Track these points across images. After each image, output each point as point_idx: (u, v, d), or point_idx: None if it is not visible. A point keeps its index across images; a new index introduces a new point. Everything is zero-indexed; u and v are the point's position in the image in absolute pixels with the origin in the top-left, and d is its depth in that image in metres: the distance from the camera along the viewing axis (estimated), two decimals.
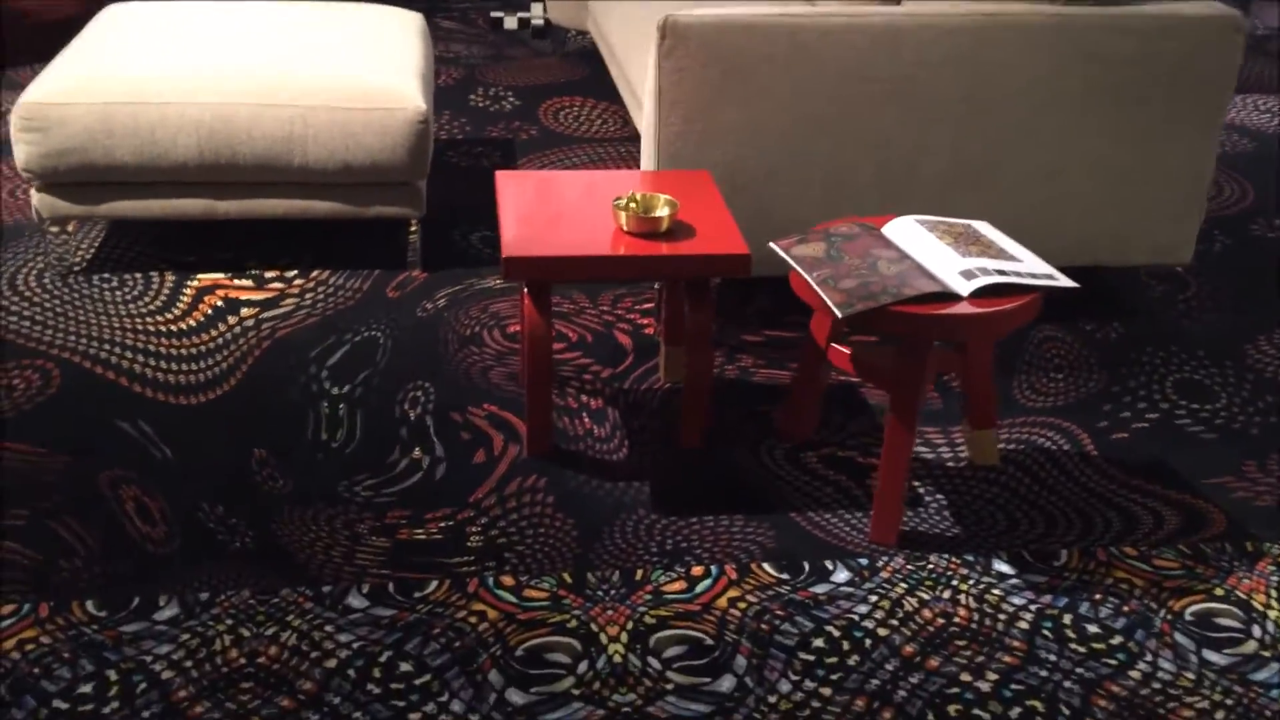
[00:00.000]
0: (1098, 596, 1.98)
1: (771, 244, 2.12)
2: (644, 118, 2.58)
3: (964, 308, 1.93)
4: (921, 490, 2.22)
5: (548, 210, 2.22)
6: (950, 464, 2.30)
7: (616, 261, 2.08)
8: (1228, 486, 2.27)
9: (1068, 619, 1.93)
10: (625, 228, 2.14)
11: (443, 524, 2.08)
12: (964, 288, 1.96)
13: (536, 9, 4.84)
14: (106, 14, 3.12)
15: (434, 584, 1.95)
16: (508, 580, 1.96)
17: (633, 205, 2.19)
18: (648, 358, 2.61)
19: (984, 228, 2.18)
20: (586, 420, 2.39)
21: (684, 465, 2.27)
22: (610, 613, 1.90)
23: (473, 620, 1.88)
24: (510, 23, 4.89)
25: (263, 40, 2.91)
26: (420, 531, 2.06)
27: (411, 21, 3.25)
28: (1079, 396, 2.53)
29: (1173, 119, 2.65)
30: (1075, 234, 2.74)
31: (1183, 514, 2.19)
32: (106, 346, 2.57)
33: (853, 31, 2.46)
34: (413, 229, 2.94)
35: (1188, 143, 2.68)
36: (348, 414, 2.37)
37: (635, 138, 3.79)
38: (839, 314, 1.90)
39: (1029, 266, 2.05)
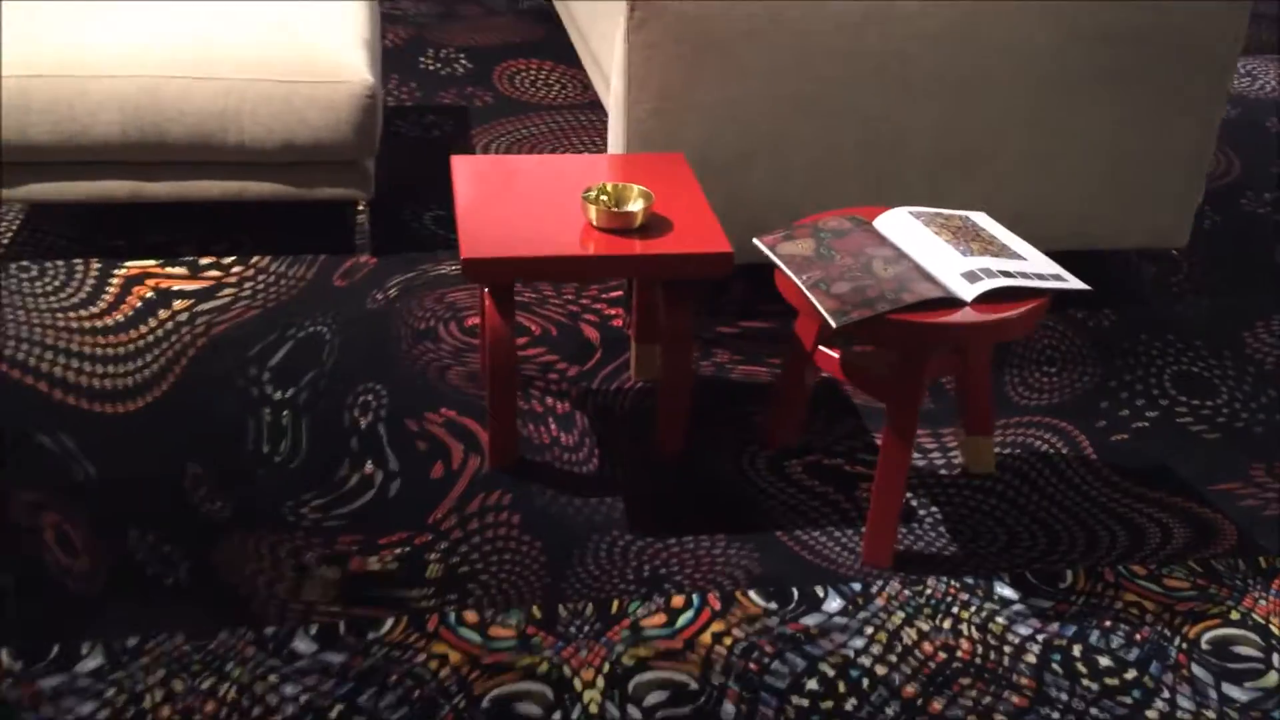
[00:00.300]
0: (1108, 623, 1.84)
1: (756, 240, 1.94)
2: (611, 95, 2.38)
3: (968, 314, 1.76)
4: (915, 503, 2.07)
5: (509, 201, 2.02)
6: (944, 471, 2.15)
7: (587, 262, 1.90)
8: (1236, 494, 2.14)
9: (1077, 650, 1.79)
10: (595, 223, 1.95)
11: (398, 550, 1.90)
12: (967, 292, 1.80)
13: None
14: None
15: (389, 622, 1.77)
16: (471, 616, 1.79)
17: (603, 198, 2.00)
18: (617, 352, 2.43)
19: (982, 220, 2.02)
20: (553, 426, 2.21)
21: (660, 477, 2.10)
22: (584, 653, 1.74)
23: (433, 665, 1.71)
24: None
25: (194, 6, 2.66)
26: (374, 560, 1.88)
27: None
28: (1074, 393, 2.39)
29: (1174, 96, 2.49)
30: (1070, 218, 2.58)
31: (1191, 526, 2.06)
32: (24, 346, 2.34)
33: (840, 4, 2.27)
34: (361, 210, 2.73)
35: (1189, 120, 2.52)
36: (292, 423, 2.17)
37: (597, 104, 3.58)
38: (833, 324, 1.73)
39: (1034, 266, 1.89)
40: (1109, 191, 2.57)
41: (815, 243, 1.91)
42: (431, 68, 3.81)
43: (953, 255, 1.86)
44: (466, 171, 2.12)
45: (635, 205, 1.99)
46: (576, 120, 3.48)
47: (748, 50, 2.28)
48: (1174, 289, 2.77)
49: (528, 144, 3.31)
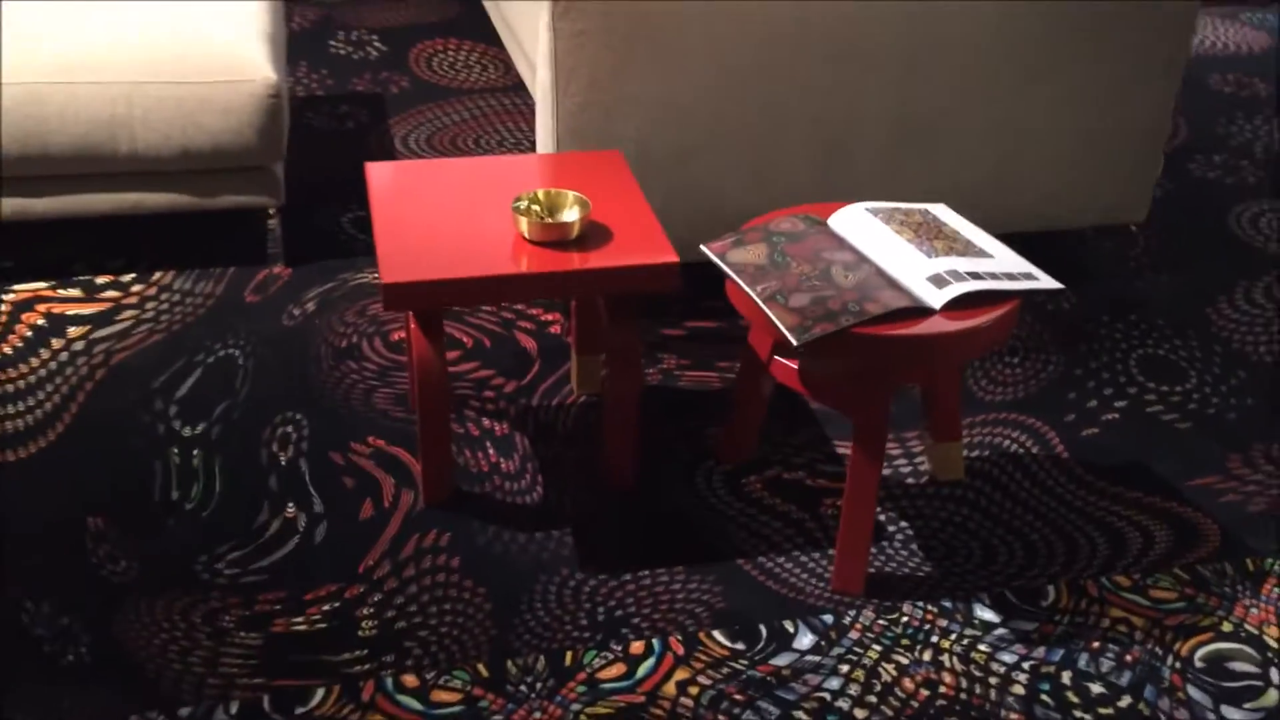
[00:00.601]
0: (1095, 644, 1.73)
1: (703, 247, 1.78)
2: (538, 87, 2.20)
3: (937, 324, 1.62)
4: (883, 517, 1.94)
5: (431, 215, 1.84)
6: (910, 480, 2.02)
7: (520, 281, 1.72)
8: (1215, 489, 2.03)
9: (1067, 677, 1.67)
10: (528, 235, 1.78)
11: (327, 607, 1.73)
12: (935, 298, 1.66)
13: None
14: None
15: (320, 693, 1.60)
16: (411, 680, 1.63)
17: (535, 208, 1.83)
18: (557, 363, 2.27)
19: (944, 214, 1.88)
20: (491, 451, 2.04)
21: (609, 503, 1.94)
22: (538, 715, 1.59)
23: None
24: None
25: (73, 5, 2.43)
26: (300, 620, 1.71)
27: None
28: (1040, 385, 2.27)
29: (1132, 63, 2.36)
30: (1026, 197, 2.46)
31: (1172, 528, 1.95)
32: None
33: None
34: (271, 217, 2.53)
35: (1147, 88, 2.40)
36: (203, 463, 1.98)
37: (520, 86, 3.39)
38: (795, 342, 1.58)
39: (1002, 264, 1.75)
40: (1067, 167, 2.45)
41: (768, 248, 1.76)
42: (343, 52, 3.58)
43: (916, 257, 1.72)
44: (383, 181, 1.94)
45: (570, 214, 1.82)
46: (500, 105, 3.29)
47: (685, 34, 2.11)
48: (1132, 265, 2.66)
49: (449, 133, 3.12)
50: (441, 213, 1.84)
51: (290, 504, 1.91)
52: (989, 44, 2.26)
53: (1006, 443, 2.12)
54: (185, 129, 2.31)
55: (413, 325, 1.79)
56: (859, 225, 1.80)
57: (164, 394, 2.14)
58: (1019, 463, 2.07)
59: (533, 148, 3.06)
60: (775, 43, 2.15)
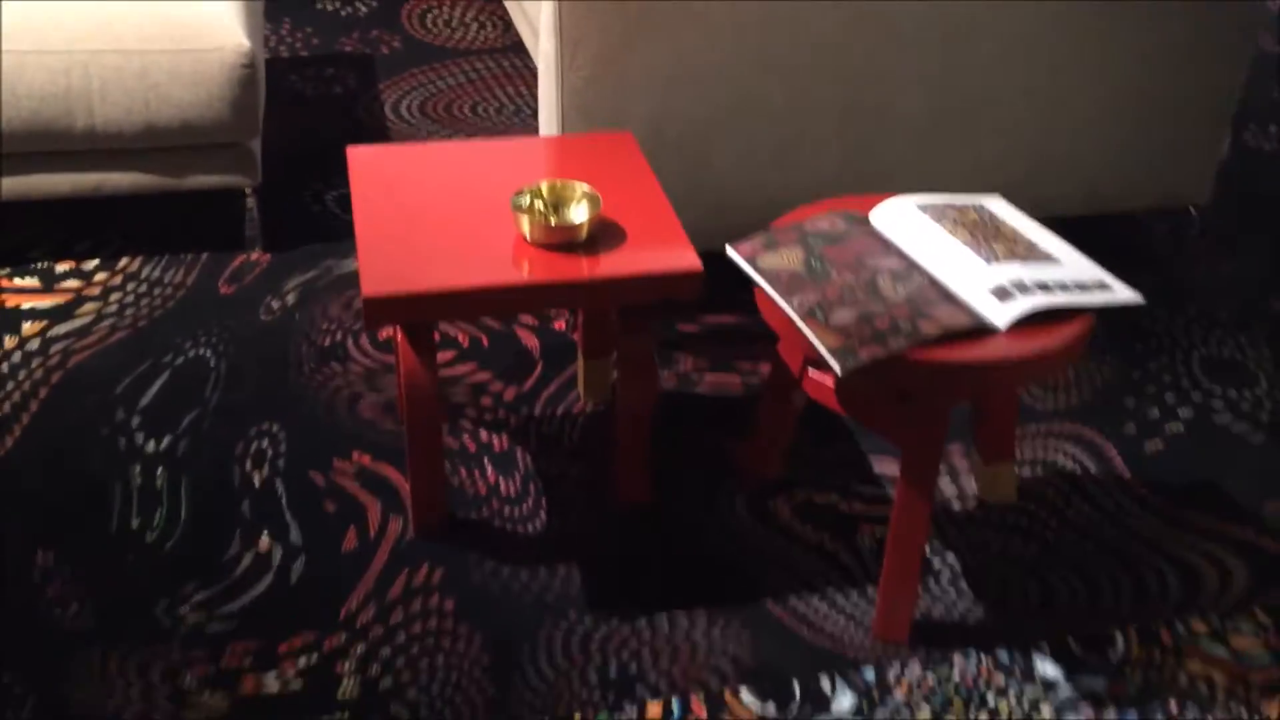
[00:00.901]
0: (1173, 707, 1.53)
1: (730, 250, 1.56)
2: (540, 57, 1.96)
3: (1002, 346, 1.41)
4: (927, 549, 1.74)
5: (420, 210, 1.62)
6: (956, 505, 1.82)
7: (521, 292, 1.51)
8: None
9: None
10: (530, 237, 1.56)
11: (303, 661, 1.53)
12: (999, 314, 1.44)
13: None
14: None
15: None
16: None
17: (538, 204, 1.60)
18: (562, 365, 2.05)
19: (1001, 209, 1.66)
20: (489, 470, 1.84)
21: (621, 531, 1.74)
22: None
23: None
24: None
25: None
26: (272, 676, 1.51)
27: None
28: (1094, 389, 2.06)
29: (1197, 29, 2.13)
30: (1080, 178, 2.23)
31: (1250, 560, 1.75)
32: None
33: None
34: (248, 195, 2.30)
35: (1216, 58, 2.17)
36: (168, 484, 1.78)
37: (520, 46, 3.15)
38: (838, 369, 1.37)
39: (1072, 271, 1.53)
40: (1120, 144, 2.22)
41: (804, 252, 1.54)
42: (330, 8, 3.33)
43: (975, 263, 1.50)
44: (366, 169, 1.71)
45: (578, 213, 1.60)
46: (499, 67, 3.04)
47: (705, 2, 1.87)
48: (1190, 251, 2.44)
49: (444, 98, 2.88)
50: (431, 208, 1.62)
51: (264, 533, 1.70)
52: (1037, 11, 2.02)
53: (1060, 458, 1.91)
54: (149, 102, 2.08)
55: (400, 338, 1.58)
56: (907, 224, 1.58)
57: (126, 402, 1.92)
58: (1075, 482, 1.87)
59: (534, 116, 2.82)
60: (804, 12, 1.92)
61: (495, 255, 1.53)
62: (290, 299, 2.18)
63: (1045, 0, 2.01)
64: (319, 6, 3.33)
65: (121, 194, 2.20)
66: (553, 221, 1.55)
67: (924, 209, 1.61)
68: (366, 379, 2.00)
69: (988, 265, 1.50)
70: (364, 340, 2.09)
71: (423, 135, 2.72)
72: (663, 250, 1.56)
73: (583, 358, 1.94)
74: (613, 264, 1.53)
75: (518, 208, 1.56)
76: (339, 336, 2.09)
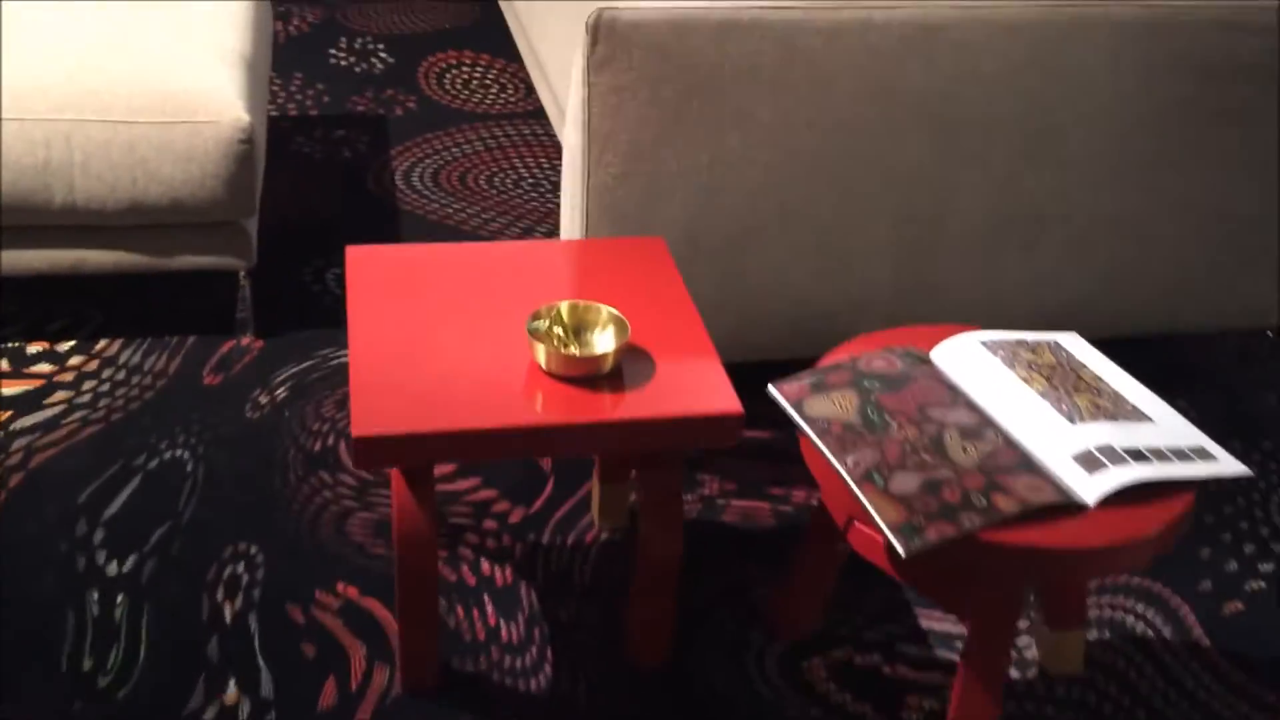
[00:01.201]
0: None
1: (773, 391, 1.37)
2: (566, 149, 1.78)
3: (1091, 529, 1.21)
4: None
5: (424, 330, 1.43)
6: (1015, 673, 1.61)
7: (535, 435, 1.32)
8: None
9: None
10: (547, 367, 1.37)
11: None
12: (1087, 487, 1.25)
13: None
14: None
15: None
16: None
17: (558, 330, 1.41)
18: (575, 483, 1.86)
19: (1078, 349, 1.46)
20: (490, 610, 1.64)
21: (636, 696, 1.54)
22: None
23: None
24: None
25: (9, 15, 2.01)
26: None
27: None
28: None
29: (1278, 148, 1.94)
30: (1146, 295, 2.04)
31: None
32: None
33: (873, 31, 1.68)
34: (242, 277, 2.12)
35: None
36: (128, 615, 1.58)
37: (539, 112, 2.98)
38: (901, 550, 1.18)
39: (1168, 435, 1.34)
40: (1198, 262, 2.03)
41: (859, 398, 1.34)
42: (344, 62, 3.17)
43: (1056, 421, 1.31)
44: (365, 274, 1.52)
45: (603, 341, 1.40)
46: (518, 134, 2.87)
47: (749, 93, 1.69)
48: (1266, 377, 2.24)
49: (459, 166, 2.70)
50: (436, 327, 1.43)
51: (232, 682, 1.50)
52: (1110, 123, 1.84)
53: (1130, 620, 1.70)
54: (136, 178, 1.90)
55: (397, 484, 1.38)
56: (974, 366, 1.39)
57: (91, 511, 1.73)
58: (1148, 651, 1.66)
59: (553, 191, 2.65)
60: (859, 105, 1.74)
61: (506, 388, 1.34)
62: (280, 393, 1.99)
63: (1119, 114, 1.82)
64: (334, 60, 3.17)
65: (102, 274, 2.02)
66: (574, 352, 1.36)
67: (992, 348, 1.42)
68: (358, 493, 1.81)
69: (1071, 425, 1.31)
70: None
71: (435, 208, 2.54)
72: (698, 387, 1.37)
73: (599, 481, 1.75)
74: (640, 403, 1.34)
75: (534, 334, 1.38)
76: (330, 440, 1.90)
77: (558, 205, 2.60)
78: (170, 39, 2.00)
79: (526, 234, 2.49)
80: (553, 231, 2.50)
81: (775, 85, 1.70)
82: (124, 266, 1.99)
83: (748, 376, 2.08)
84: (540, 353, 1.35)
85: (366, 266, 1.54)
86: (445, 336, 1.42)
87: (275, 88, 3.00)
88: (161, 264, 2.00)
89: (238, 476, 1.81)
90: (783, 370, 2.05)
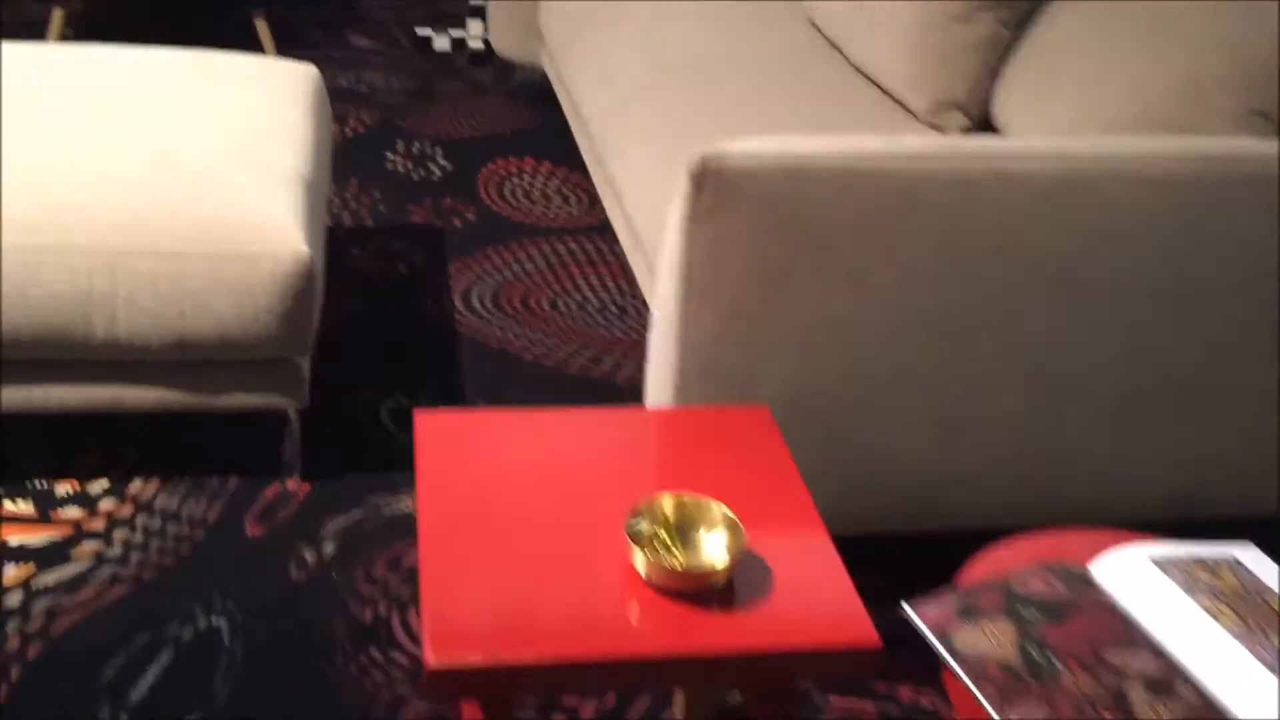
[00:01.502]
0: None
1: (911, 613, 1.18)
2: (658, 300, 1.61)
3: None
4: None
5: (503, 525, 1.25)
6: None
7: (637, 667, 1.13)
8: None
9: None
10: (647, 578, 1.18)
11: None
12: None
13: (475, 27, 3.83)
14: None
15: None
16: None
17: (661, 534, 1.23)
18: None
19: (1257, 563, 1.26)
20: None
21: None
22: None
23: None
24: (441, 43, 3.88)
25: (53, 129, 1.88)
26: None
27: (298, 82, 2.23)
28: None
29: None
30: None
31: None
32: None
33: (1006, 185, 1.51)
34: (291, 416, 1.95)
35: None
36: None
37: (604, 226, 2.82)
38: None
39: None
40: None
41: (1016, 630, 1.15)
42: (400, 168, 3.04)
43: (1258, 673, 1.11)
44: (436, 449, 1.35)
45: (715, 549, 1.21)
46: (582, 250, 2.72)
47: (865, 248, 1.52)
48: None
49: (521, 286, 2.55)
50: (517, 520, 1.25)
51: None
52: (1265, 289, 1.65)
53: None
54: (184, 313, 1.74)
55: (468, 707, 1.19)
56: (1147, 591, 1.19)
57: (115, 693, 1.55)
58: None
59: (620, 314, 2.48)
60: (990, 265, 1.56)
61: (602, 606, 1.15)
62: (328, 548, 1.81)
63: (1272, 279, 1.64)
64: (390, 165, 3.04)
65: (141, 411, 1.86)
66: (680, 564, 1.18)
67: (1163, 566, 1.23)
68: (412, 675, 1.62)
69: (1273, 675, 1.10)
70: (411, 616, 1.71)
71: (496, 333, 2.38)
72: (825, 609, 1.18)
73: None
74: (760, 629, 1.15)
75: (634, 538, 1.19)
76: (382, 609, 1.72)
77: (625, 333, 2.43)
78: (225, 158, 1.86)
79: (594, 364, 2.32)
80: (620, 364, 2.33)
81: (894, 240, 1.53)
82: (165, 405, 1.83)
83: (853, 551, 1.88)
84: (641, 561, 1.17)
85: (437, 438, 1.36)
86: (528, 532, 1.23)
87: (331, 196, 2.87)
88: (205, 403, 1.84)
89: (279, 652, 1.63)
90: (883, 545, 1.85)
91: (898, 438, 1.65)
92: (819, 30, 2.57)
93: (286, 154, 1.95)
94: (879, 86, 2.31)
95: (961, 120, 2.16)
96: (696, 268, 1.50)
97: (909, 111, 2.23)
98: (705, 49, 2.41)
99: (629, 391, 2.25)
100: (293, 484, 1.94)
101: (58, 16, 3.51)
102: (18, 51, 2.13)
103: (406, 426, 2.09)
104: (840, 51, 2.46)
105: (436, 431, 1.38)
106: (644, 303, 2.55)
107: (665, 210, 1.87)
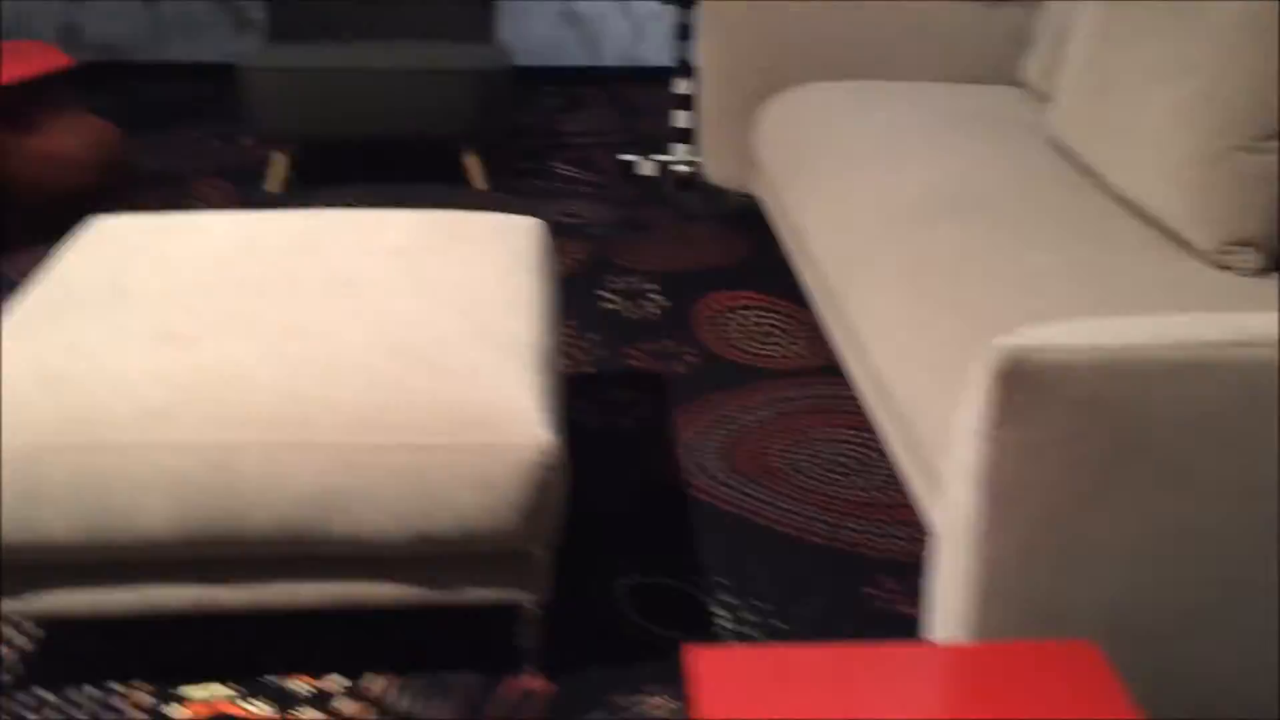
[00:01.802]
0: None
1: None
2: (948, 510, 1.43)
3: None
4: None
5: None
6: None
7: None
8: None
9: None
10: None
11: None
12: None
13: (680, 151, 3.76)
14: (77, 249, 2.07)
15: None
16: None
17: None
18: None
19: None
20: None
21: None
22: None
23: None
24: (647, 168, 3.82)
25: (286, 311, 1.82)
26: None
27: (525, 238, 2.14)
28: None
29: None
30: None
31: None
32: None
33: None
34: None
35: None
36: None
37: (833, 368, 2.65)
38: None
39: None
40: None
41: None
42: (614, 305, 2.95)
43: None
44: (716, 700, 1.19)
45: None
46: (816, 397, 2.55)
47: (1197, 447, 1.31)
48: None
49: (752, 442, 2.39)
50: None
51: None
52: None
53: None
54: (424, 508, 1.64)
55: None
56: None
57: None
58: None
59: (863, 474, 2.29)
60: None
61: None
62: None
63: None
64: (604, 303, 2.96)
65: (375, 608, 1.77)
66: None
67: None
68: None
69: None
70: None
71: (733, 497, 2.22)
72: None
73: None
74: None
75: None
76: None
77: (871, 496, 2.24)
78: (462, 337, 1.77)
79: (835, 527, 2.13)
80: (865, 530, 2.14)
81: (1235, 437, 1.31)
82: (400, 601, 1.73)
83: None
84: None
85: (715, 681, 1.21)
86: None
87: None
88: (441, 598, 1.73)
89: None
90: None
91: (1237, 667, 1.41)
92: (1062, 152, 2.37)
93: (522, 324, 1.85)
94: (1144, 216, 2.09)
95: (1255, 258, 1.92)
96: (1002, 477, 1.32)
97: (1190, 248, 2.00)
98: (945, 185, 2.23)
99: (882, 565, 2.06)
100: (529, 679, 1.81)
101: (280, 161, 3.59)
102: (258, 222, 2.11)
103: (648, 613, 1.95)
104: (1091, 174, 2.25)
105: (713, 673, 1.22)
106: (880, 453, 2.36)
107: (932, 390, 1.69)
